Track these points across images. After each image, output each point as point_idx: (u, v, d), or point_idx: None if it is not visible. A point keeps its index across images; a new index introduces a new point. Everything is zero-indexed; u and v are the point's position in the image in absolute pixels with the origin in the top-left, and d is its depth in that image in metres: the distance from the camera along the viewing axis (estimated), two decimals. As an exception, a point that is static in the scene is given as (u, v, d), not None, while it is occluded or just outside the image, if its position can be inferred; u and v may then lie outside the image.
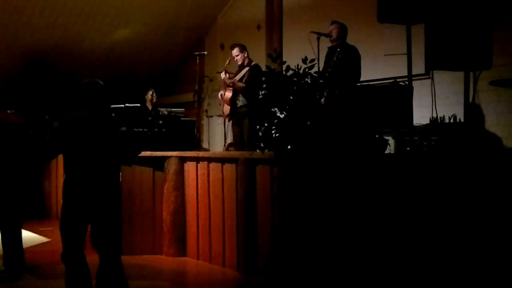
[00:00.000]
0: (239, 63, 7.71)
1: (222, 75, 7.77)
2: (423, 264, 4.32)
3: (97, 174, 4.33)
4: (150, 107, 8.54)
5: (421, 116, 6.09)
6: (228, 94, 7.62)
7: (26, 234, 7.95)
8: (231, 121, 7.90)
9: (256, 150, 5.92)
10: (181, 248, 6.81)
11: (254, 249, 5.88)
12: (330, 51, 6.69)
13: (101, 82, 4.55)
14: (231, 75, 7.72)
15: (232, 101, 7.61)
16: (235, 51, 7.69)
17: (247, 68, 7.63)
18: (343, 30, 6.72)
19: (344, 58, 6.49)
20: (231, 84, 7.61)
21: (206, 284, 6.03)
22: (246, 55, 7.72)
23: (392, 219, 4.50)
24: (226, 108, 7.71)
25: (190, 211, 6.77)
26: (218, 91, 8.26)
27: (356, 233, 4.67)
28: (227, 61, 7.85)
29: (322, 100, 5.79)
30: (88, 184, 4.31)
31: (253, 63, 7.70)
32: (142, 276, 6.00)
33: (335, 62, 6.49)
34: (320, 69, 6.00)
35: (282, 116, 5.16)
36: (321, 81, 5.24)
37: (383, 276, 4.50)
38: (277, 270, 5.40)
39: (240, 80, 7.62)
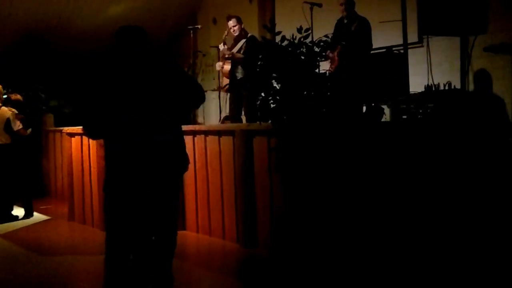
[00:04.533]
0: (236, 34, 7.65)
1: (221, 46, 7.70)
2: (419, 231, 4.35)
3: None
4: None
5: (416, 84, 6.10)
6: (227, 67, 7.56)
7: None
8: (228, 95, 7.87)
9: (254, 122, 5.99)
10: (180, 221, 6.68)
11: (254, 221, 5.87)
12: (340, 23, 6.69)
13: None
14: (228, 48, 7.67)
15: (231, 74, 7.56)
16: (232, 22, 7.62)
17: (244, 40, 7.57)
18: (350, 3, 6.73)
19: (357, 31, 6.49)
20: (230, 56, 7.55)
21: (206, 256, 6.02)
22: (242, 27, 7.66)
23: (390, 187, 4.51)
24: (226, 81, 7.66)
25: (188, 184, 6.74)
26: (212, 65, 8.21)
27: (354, 201, 4.69)
28: (226, 32, 7.78)
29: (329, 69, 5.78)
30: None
31: (249, 35, 7.65)
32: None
33: (348, 33, 6.50)
34: (315, 39, 5.99)
35: (278, 86, 5.16)
36: (316, 50, 5.23)
37: (383, 245, 4.53)
38: (277, 242, 5.42)
39: (238, 52, 7.57)
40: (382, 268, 4.46)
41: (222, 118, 8.13)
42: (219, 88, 8.00)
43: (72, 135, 7.54)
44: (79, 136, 7.40)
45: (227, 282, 5.03)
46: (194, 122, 7.92)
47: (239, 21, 7.63)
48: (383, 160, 4.57)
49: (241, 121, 7.46)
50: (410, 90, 5.83)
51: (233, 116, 7.64)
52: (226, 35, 7.74)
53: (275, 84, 5.16)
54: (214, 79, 9.01)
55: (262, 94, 5.18)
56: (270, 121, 5.24)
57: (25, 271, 5.35)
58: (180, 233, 6.53)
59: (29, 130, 7.85)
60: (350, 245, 4.67)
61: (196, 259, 5.99)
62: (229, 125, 6.85)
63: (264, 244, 5.73)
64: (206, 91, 10.38)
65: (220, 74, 7.74)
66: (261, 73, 5.28)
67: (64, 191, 8.73)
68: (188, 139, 6.63)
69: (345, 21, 6.78)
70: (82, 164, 7.42)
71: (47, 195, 9.42)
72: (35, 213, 8.04)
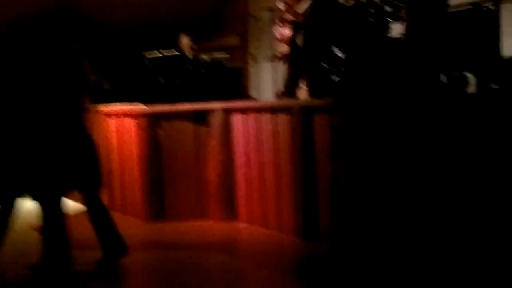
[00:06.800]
0: None
1: (281, 6, 6.95)
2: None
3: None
4: (190, 55, 7.83)
5: (510, 47, 5.38)
6: (287, 32, 6.83)
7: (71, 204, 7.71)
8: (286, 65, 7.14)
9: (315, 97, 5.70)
10: (230, 211, 6.32)
11: (315, 211, 5.42)
12: None
13: None
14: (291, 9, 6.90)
15: (293, 41, 6.82)
16: None
17: (310, 1, 6.77)
18: None
19: None
20: (293, 19, 6.78)
21: (259, 251, 5.50)
22: None
23: (475, 172, 4.01)
24: (285, 48, 6.94)
25: (239, 169, 6.26)
26: (265, 32, 7.51)
27: (431, 189, 4.24)
28: None
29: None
30: None
31: None
32: (188, 245, 5.59)
33: None
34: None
35: (343, 56, 4.87)
36: (388, 9, 4.69)
37: (468, 243, 4.03)
38: (342, 235, 5.02)
39: (303, 14, 6.78)
40: (461, 268, 4.00)
41: (278, 93, 7.46)
42: (275, 58, 7.25)
43: (113, 115, 6.99)
44: (121, 117, 6.85)
45: (284, 281, 4.66)
46: (247, 96, 7.27)
47: None
48: (470, 142, 4.07)
49: (296, 96, 6.76)
50: (503, 54, 5.17)
51: (288, 91, 6.94)
52: None
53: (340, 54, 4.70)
54: (268, 48, 8.29)
55: (324, 64, 4.77)
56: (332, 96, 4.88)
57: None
58: (231, 224, 6.24)
59: None
60: (426, 240, 4.23)
61: (249, 254, 5.52)
62: (286, 102, 6.31)
63: (327, 237, 5.30)
64: (259, 62, 9.85)
65: (278, 41, 6.97)
66: (322, 40, 4.79)
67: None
68: (238, 118, 6.28)
69: None
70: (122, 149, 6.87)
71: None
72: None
